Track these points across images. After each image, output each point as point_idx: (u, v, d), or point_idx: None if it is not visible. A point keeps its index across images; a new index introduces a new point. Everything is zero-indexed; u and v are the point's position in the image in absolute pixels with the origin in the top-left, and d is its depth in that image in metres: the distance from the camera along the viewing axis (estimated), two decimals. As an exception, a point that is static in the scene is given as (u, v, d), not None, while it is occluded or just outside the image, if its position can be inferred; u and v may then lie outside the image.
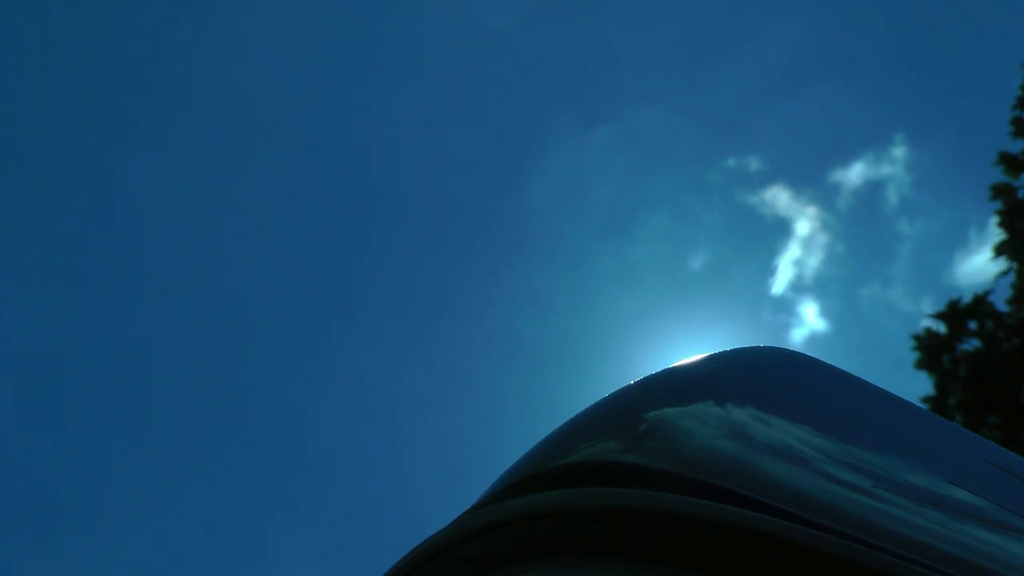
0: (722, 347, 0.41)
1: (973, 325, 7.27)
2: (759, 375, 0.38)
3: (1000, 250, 7.19)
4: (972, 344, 7.25)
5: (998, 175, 7.21)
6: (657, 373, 0.39)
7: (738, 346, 0.41)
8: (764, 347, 0.41)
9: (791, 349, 0.41)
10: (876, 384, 0.40)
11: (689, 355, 0.40)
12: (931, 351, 7.30)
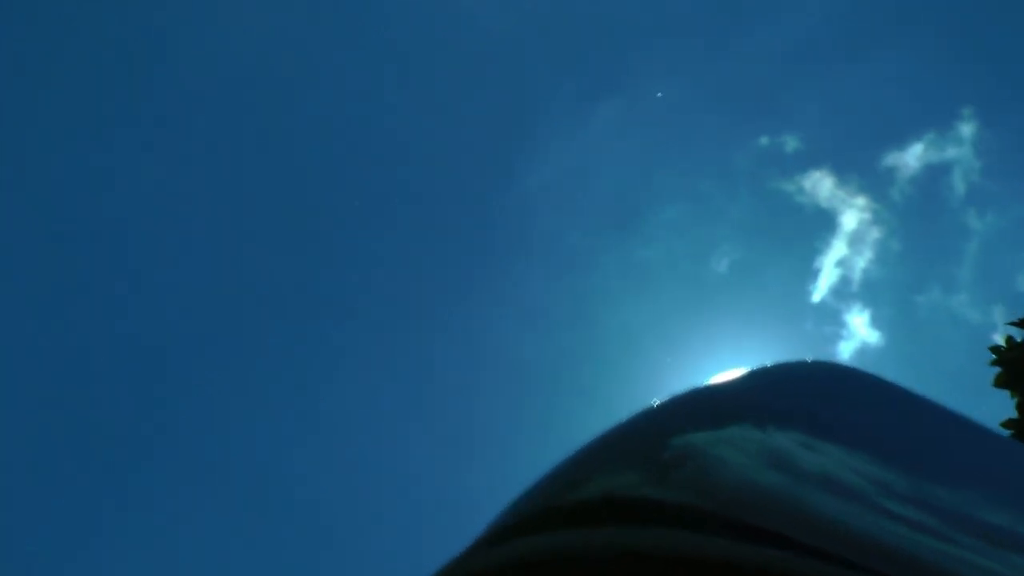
0: (753, 363, 0.41)
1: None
2: (806, 394, 0.39)
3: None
4: (1062, 358, 7.27)
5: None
6: (684, 393, 0.40)
7: (774, 361, 0.42)
8: (813, 361, 0.42)
9: (844, 363, 0.42)
10: (945, 405, 0.41)
11: (714, 373, 0.40)
12: (1013, 365, 7.31)
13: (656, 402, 0.40)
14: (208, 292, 12.88)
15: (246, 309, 13.05)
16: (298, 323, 13.10)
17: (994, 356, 7.36)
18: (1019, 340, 7.29)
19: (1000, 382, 7.32)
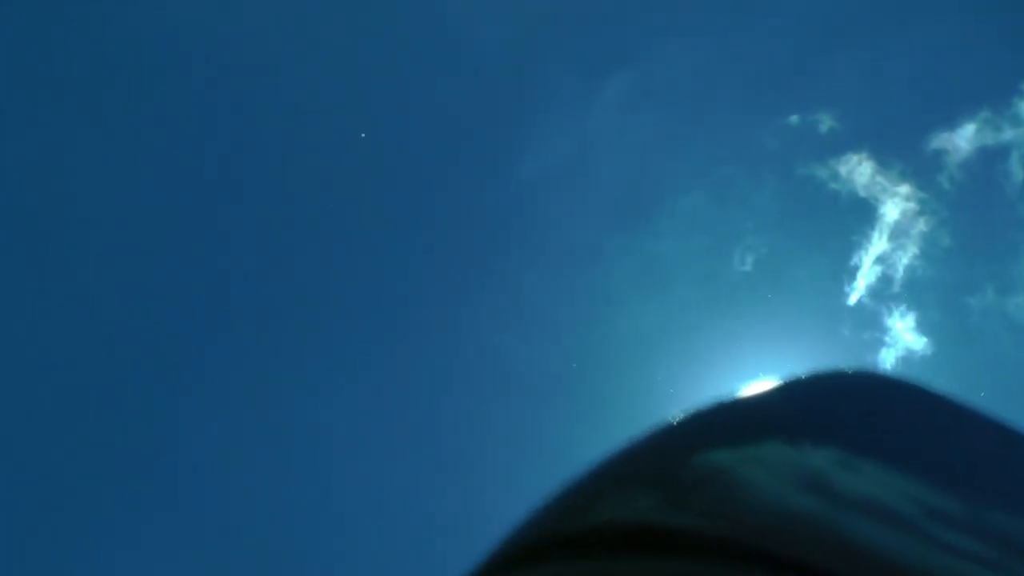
0: (783, 374, 0.41)
1: None
2: (846, 408, 0.39)
3: None
4: None
5: None
6: (706, 407, 0.40)
7: (807, 371, 0.42)
8: (852, 371, 0.42)
9: (891, 374, 0.42)
10: (1003, 420, 0.41)
11: (737, 385, 0.40)
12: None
13: (675, 418, 0.40)
14: (185, 289, 13.01)
15: (219, 308, 13.15)
16: (278, 326, 13.16)
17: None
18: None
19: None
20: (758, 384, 0.41)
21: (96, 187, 12.48)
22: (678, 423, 0.39)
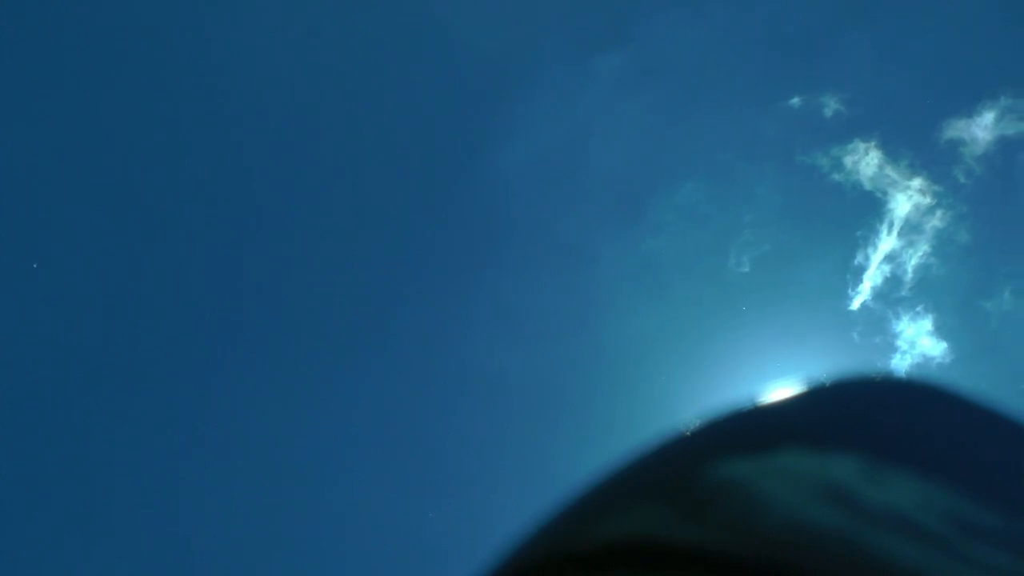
0: (779, 383, 0.42)
1: None
2: (872, 415, 0.39)
3: None
4: None
5: None
6: (722, 416, 0.40)
7: (810, 379, 0.42)
8: (879, 376, 0.42)
9: (918, 378, 0.42)
10: None
11: (733, 393, 0.41)
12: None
13: (688, 426, 0.40)
14: (123, 319, 13.02)
15: (194, 318, 13.13)
16: (233, 338, 13.10)
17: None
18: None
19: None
20: (774, 391, 0.41)
21: (94, 186, 12.57)
22: (691, 432, 0.39)
